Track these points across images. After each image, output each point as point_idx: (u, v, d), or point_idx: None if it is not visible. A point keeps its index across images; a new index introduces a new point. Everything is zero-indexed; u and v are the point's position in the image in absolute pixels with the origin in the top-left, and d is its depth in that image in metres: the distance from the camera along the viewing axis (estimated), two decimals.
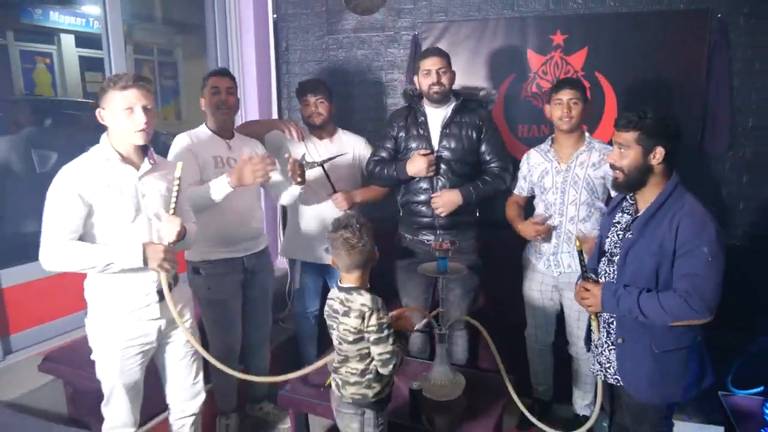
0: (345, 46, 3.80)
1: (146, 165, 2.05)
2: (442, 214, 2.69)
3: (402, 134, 2.82)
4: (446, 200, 2.67)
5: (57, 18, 5.66)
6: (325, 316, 2.04)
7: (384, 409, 2.05)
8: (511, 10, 3.39)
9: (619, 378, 2.02)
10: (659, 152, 1.88)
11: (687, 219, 1.83)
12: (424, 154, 2.68)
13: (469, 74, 3.46)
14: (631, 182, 1.96)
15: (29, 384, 2.42)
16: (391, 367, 1.89)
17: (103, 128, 2.06)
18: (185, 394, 2.31)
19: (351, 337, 1.88)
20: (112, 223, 1.98)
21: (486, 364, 2.99)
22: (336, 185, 2.92)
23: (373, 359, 1.92)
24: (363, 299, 1.88)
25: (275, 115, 3.95)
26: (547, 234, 2.67)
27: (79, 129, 3.56)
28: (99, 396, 2.20)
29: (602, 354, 2.10)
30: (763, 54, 3.04)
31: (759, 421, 2.07)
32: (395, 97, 3.72)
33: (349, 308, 1.89)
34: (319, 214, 3.01)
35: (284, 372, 2.47)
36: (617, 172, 1.97)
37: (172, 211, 2.03)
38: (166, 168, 2.16)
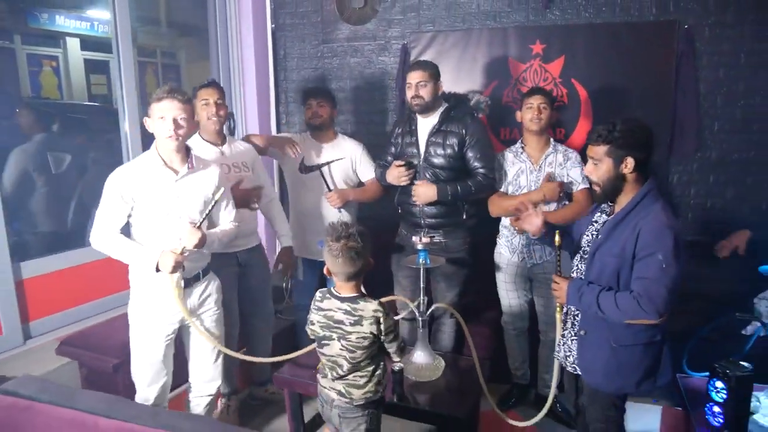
0: (339, 54, 4.03)
1: (184, 170, 2.32)
2: (417, 203, 2.90)
3: (399, 140, 3.04)
4: (422, 192, 2.87)
5: (63, 22, 5.81)
6: (316, 328, 2.05)
7: (378, 405, 2.12)
8: (494, 21, 3.62)
9: (577, 366, 2.21)
10: (629, 162, 2.01)
11: (648, 227, 1.96)
12: (398, 166, 2.90)
13: (455, 81, 3.67)
14: (607, 193, 2.10)
15: (47, 366, 2.66)
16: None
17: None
18: (206, 375, 2.56)
19: (366, 343, 1.95)
20: (147, 219, 2.28)
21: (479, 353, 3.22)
22: (333, 186, 3.16)
23: (380, 357, 2.04)
24: (373, 306, 1.95)
25: (273, 119, 4.18)
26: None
27: (87, 131, 3.79)
28: (110, 376, 2.43)
29: (566, 344, 2.30)
30: (727, 62, 3.25)
31: (705, 399, 2.28)
32: (386, 102, 3.95)
33: (360, 317, 1.94)
34: (318, 214, 3.24)
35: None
36: (594, 185, 2.11)
37: (198, 224, 2.28)
38: (204, 171, 2.43)
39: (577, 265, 2.27)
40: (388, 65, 3.90)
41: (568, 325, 2.29)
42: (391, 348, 2.02)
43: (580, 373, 2.22)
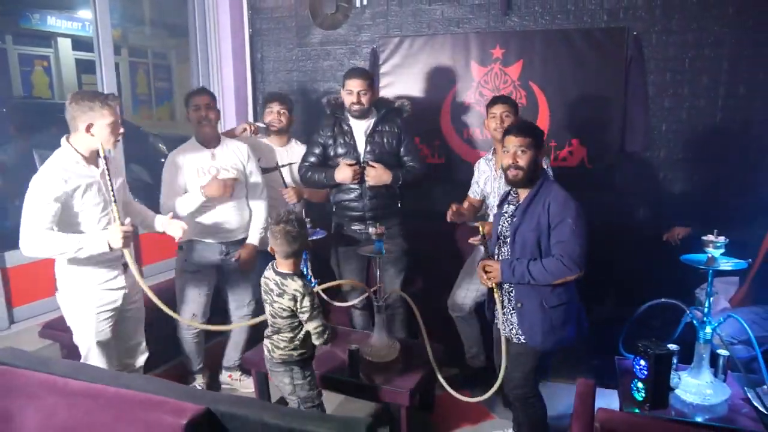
0: (312, 57, 4.24)
1: (102, 162, 2.43)
2: (369, 183, 3.11)
3: (330, 142, 3.21)
4: (377, 175, 3.08)
5: (54, 22, 5.95)
6: (262, 291, 2.37)
7: (309, 365, 2.42)
8: (457, 27, 3.83)
9: (521, 335, 2.48)
10: (544, 152, 2.47)
11: (555, 200, 2.36)
12: (350, 164, 3.08)
13: (421, 83, 3.90)
14: (529, 177, 2.40)
15: (31, 347, 2.84)
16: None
17: None
18: (132, 351, 2.73)
19: (285, 314, 2.25)
20: (89, 213, 2.41)
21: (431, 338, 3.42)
22: (287, 183, 3.37)
23: (300, 329, 2.28)
24: (296, 285, 2.22)
25: (251, 119, 4.38)
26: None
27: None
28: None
29: (508, 319, 2.55)
30: (673, 66, 3.47)
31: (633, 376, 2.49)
32: None
33: (283, 291, 2.23)
34: (275, 208, 3.42)
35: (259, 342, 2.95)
36: (517, 171, 2.39)
37: (116, 219, 2.39)
38: (114, 162, 2.61)
39: (499, 251, 2.56)
40: None
41: (506, 302, 2.55)
42: (309, 327, 2.25)
43: (524, 341, 2.49)
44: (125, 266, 2.53)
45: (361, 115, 3.13)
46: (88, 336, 2.51)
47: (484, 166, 3.19)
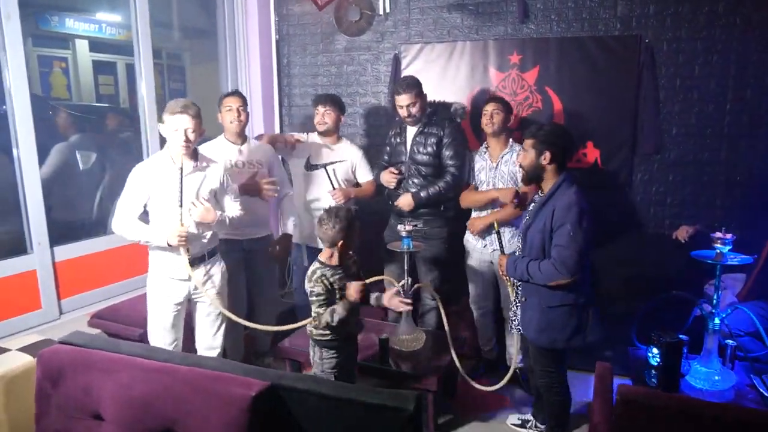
0: (337, 63, 4.43)
1: (189, 167, 2.67)
2: (405, 210, 3.37)
3: (393, 141, 3.54)
4: (403, 202, 3.37)
5: (72, 24, 6.12)
6: None
7: (337, 351, 2.52)
8: (476, 34, 4.01)
9: (521, 327, 2.69)
10: (547, 155, 2.53)
11: (559, 205, 2.47)
12: (390, 172, 3.42)
13: (441, 88, 4.07)
14: (530, 177, 2.63)
15: None
16: (316, 323, 2.43)
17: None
18: (205, 344, 2.94)
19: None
20: (163, 207, 2.66)
21: (455, 331, 3.59)
22: (336, 185, 3.56)
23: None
24: (312, 267, 2.47)
25: (277, 122, 4.58)
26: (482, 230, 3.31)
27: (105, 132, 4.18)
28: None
29: (513, 309, 2.79)
30: (683, 72, 3.64)
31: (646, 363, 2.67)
32: (378, 106, 4.35)
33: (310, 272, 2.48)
34: (320, 208, 3.60)
35: (284, 335, 3.13)
36: (521, 169, 2.67)
37: (180, 222, 2.61)
38: (210, 168, 2.80)
39: (518, 245, 2.75)
40: (381, 73, 4.30)
41: (515, 294, 2.76)
42: (312, 306, 2.43)
43: (522, 332, 2.69)
44: (192, 262, 2.73)
45: (417, 123, 3.39)
46: (152, 317, 2.80)
47: (478, 158, 3.42)
